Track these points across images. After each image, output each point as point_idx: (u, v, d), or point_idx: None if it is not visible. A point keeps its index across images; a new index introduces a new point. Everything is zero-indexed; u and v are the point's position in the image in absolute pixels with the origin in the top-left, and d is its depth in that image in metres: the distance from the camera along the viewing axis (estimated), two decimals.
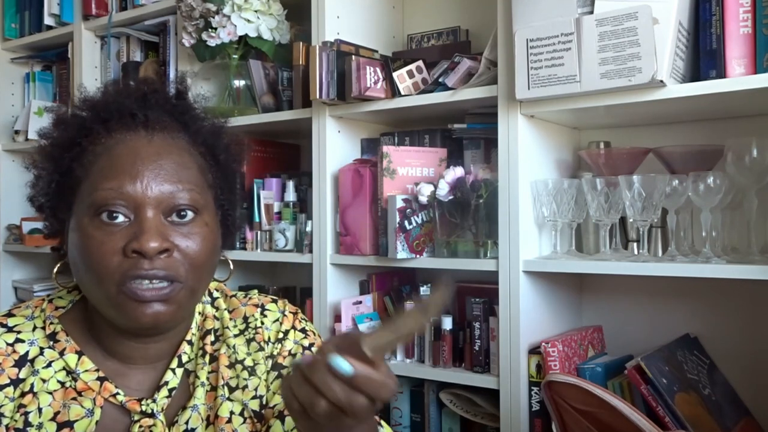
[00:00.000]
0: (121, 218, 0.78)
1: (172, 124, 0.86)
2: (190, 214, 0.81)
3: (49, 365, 0.83)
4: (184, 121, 0.87)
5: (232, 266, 0.94)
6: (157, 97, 0.87)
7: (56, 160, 0.84)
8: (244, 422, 0.88)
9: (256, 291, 0.99)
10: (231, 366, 0.90)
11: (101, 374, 0.84)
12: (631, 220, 1.40)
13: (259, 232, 1.93)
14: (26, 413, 0.80)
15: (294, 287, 2.07)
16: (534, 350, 1.48)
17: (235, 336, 0.92)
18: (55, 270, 0.88)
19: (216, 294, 0.96)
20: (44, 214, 0.88)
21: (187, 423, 0.85)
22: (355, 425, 0.69)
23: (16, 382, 0.81)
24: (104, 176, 0.79)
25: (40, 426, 0.80)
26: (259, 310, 0.95)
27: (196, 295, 0.84)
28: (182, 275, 0.79)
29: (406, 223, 1.61)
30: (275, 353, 0.93)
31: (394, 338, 0.67)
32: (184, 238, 0.80)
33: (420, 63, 1.67)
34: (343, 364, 0.64)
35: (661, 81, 1.24)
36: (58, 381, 0.83)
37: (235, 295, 0.97)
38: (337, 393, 0.64)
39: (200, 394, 0.87)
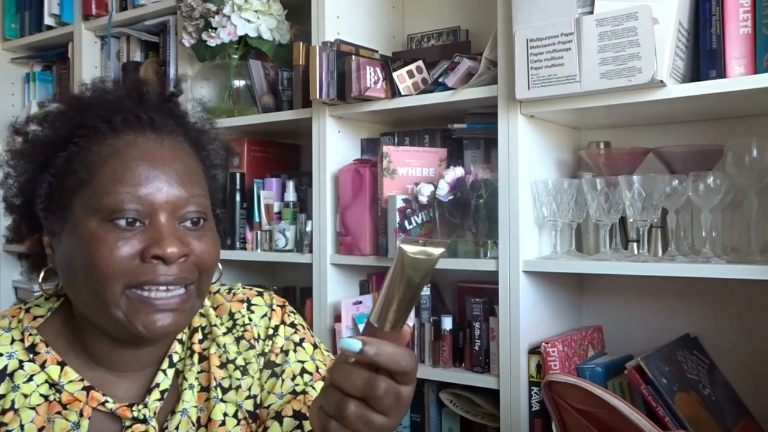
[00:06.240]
0: (135, 223, 0.76)
1: (176, 128, 0.84)
2: (200, 221, 0.80)
3: (30, 379, 0.79)
4: (184, 125, 0.86)
5: (221, 269, 0.90)
6: (156, 98, 0.85)
7: (47, 159, 0.80)
8: (237, 424, 0.85)
9: (239, 285, 0.95)
10: (222, 366, 0.87)
11: (87, 383, 0.80)
12: (631, 220, 1.40)
13: (259, 232, 1.92)
14: None
15: (294, 287, 2.07)
16: (534, 350, 1.48)
17: (224, 334, 0.89)
18: (41, 277, 0.84)
19: None
20: (18, 216, 0.84)
21: (177, 428, 0.82)
22: None
23: None
24: (117, 179, 0.76)
25: None
26: (245, 305, 0.92)
27: (201, 300, 0.83)
28: (195, 279, 0.78)
29: (406, 223, 1.61)
30: (266, 350, 0.90)
31: (386, 293, 0.62)
32: (198, 242, 0.79)
33: (420, 63, 1.67)
34: (351, 342, 0.61)
35: (661, 81, 1.24)
36: (41, 395, 0.79)
37: (218, 291, 0.93)
38: (356, 381, 0.61)
39: (189, 396, 0.84)
